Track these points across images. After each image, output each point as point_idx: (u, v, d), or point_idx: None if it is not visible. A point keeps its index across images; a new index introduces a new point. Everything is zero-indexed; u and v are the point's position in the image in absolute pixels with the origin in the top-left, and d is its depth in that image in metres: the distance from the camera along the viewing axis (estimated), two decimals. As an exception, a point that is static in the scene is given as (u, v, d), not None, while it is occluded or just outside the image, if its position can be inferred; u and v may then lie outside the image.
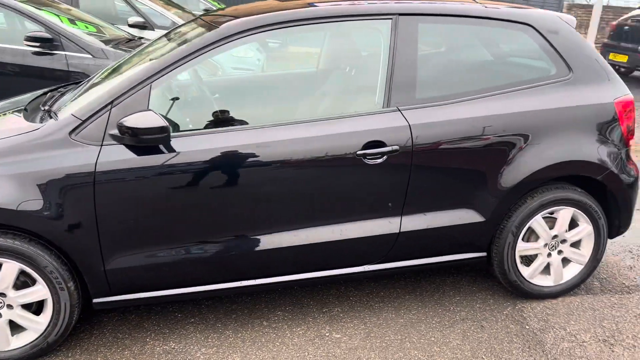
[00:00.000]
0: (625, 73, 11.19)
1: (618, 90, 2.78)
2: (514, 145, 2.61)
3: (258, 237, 2.44)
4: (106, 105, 2.27)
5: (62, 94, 2.90)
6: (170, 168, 2.27)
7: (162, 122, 2.14)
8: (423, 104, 2.53)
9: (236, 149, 2.32)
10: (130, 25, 7.56)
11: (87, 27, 5.92)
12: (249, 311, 2.83)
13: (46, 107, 2.60)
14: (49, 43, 5.26)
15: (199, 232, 2.39)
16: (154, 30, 8.02)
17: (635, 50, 10.81)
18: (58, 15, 5.69)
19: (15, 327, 2.39)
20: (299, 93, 2.64)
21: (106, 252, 2.32)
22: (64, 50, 5.34)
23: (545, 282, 2.91)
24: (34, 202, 2.19)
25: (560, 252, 2.87)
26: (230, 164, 2.33)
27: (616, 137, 2.77)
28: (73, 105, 2.45)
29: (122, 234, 2.32)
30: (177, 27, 3.13)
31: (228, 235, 2.42)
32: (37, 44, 5.22)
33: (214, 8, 12.57)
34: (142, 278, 2.41)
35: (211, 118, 2.49)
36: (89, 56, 5.36)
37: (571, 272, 2.92)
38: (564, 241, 2.85)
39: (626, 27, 11.29)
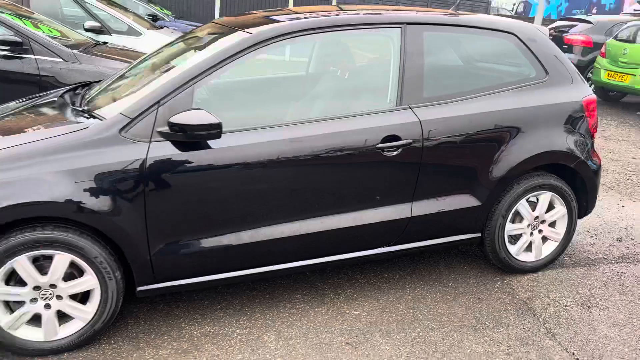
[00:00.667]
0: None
1: (584, 91, 3.26)
2: (505, 138, 3.01)
3: (293, 223, 2.68)
4: (153, 105, 2.44)
5: (82, 95, 3.01)
6: (215, 162, 2.48)
7: (215, 119, 2.35)
8: (429, 103, 2.88)
9: (273, 144, 2.56)
10: (87, 30, 7.48)
11: (50, 32, 5.87)
12: (270, 296, 3.05)
13: (82, 107, 2.71)
14: (18, 47, 5.20)
15: (238, 220, 2.60)
16: (110, 34, 7.97)
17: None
18: (21, 19, 5.62)
19: (61, 317, 2.49)
20: (323, 92, 2.91)
21: (152, 242, 2.49)
22: (33, 54, 5.30)
23: (528, 258, 3.33)
24: (88, 197, 2.33)
25: (540, 231, 3.31)
26: (268, 157, 2.56)
27: (584, 130, 3.24)
28: (114, 104, 2.60)
29: (167, 224, 2.49)
30: (192, 32, 3.31)
31: (266, 222, 2.64)
32: (6, 48, 5.16)
33: (158, 13, 12.50)
34: (183, 265, 2.59)
35: (248, 115, 2.70)
36: (61, 60, 5.34)
37: (549, 248, 3.37)
38: (543, 222, 3.29)
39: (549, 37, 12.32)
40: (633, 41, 9.94)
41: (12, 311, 2.41)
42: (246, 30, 2.73)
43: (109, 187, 2.36)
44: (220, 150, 2.48)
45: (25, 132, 2.50)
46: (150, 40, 8.16)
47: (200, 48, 2.88)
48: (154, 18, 11.33)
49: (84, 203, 2.33)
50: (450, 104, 2.92)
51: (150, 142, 2.42)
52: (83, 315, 2.49)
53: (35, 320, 2.46)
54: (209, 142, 2.47)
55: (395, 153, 2.77)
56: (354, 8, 3.26)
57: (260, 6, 16.04)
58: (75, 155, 2.34)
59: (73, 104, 2.83)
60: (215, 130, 2.36)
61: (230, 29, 2.87)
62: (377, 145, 2.73)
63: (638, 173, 5.67)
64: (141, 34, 8.22)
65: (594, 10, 22.34)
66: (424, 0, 18.52)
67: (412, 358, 2.59)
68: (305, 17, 2.77)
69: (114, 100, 2.71)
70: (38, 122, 2.70)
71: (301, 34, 2.69)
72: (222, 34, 2.89)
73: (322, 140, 2.63)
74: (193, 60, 2.61)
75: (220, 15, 15.86)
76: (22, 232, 2.30)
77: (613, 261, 3.63)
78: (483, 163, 3.00)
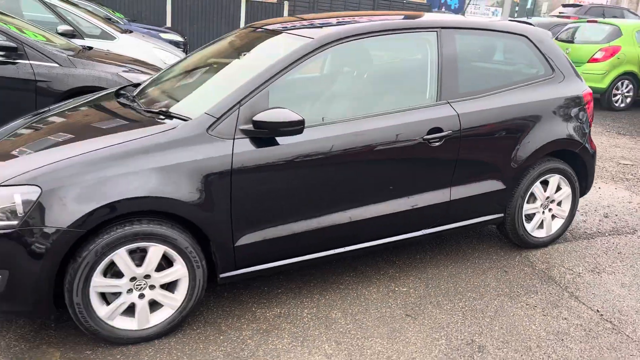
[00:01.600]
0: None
1: (582, 85, 3.73)
2: (525, 128, 3.41)
3: (356, 209, 2.96)
4: (235, 105, 2.65)
5: (132, 97, 3.15)
6: (291, 155, 2.71)
7: (299, 117, 2.58)
8: (463, 98, 3.23)
9: (340, 138, 2.82)
10: (60, 34, 7.37)
11: (36, 37, 5.83)
12: (322, 280, 3.30)
13: (157, 108, 2.87)
14: (13, 52, 5.16)
15: (310, 208, 2.85)
16: (83, 38, 7.88)
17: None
18: (7, 24, 5.55)
19: (150, 306, 2.64)
20: (374, 90, 3.19)
21: (236, 231, 2.69)
22: (28, 59, 5.27)
23: (540, 234, 3.76)
24: (183, 191, 2.51)
25: (550, 210, 3.75)
26: (336, 150, 2.82)
27: (585, 119, 3.71)
28: (191, 105, 2.78)
29: (248, 214, 2.70)
30: (233, 35, 3.51)
31: (333, 209, 2.90)
32: (1, 53, 5.11)
33: (112, 16, 12.30)
34: (260, 252, 2.80)
35: (313, 112, 2.94)
36: (57, 65, 5.34)
37: (557, 225, 3.81)
38: (552, 201, 3.73)
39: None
40: (572, 41, 10.87)
41: (107, 303, 2.54)
42: (302, 35, 2.98)
43: (201, 182, 2.54)
44: (294, 144, 2.72)
45: (116, 133, 2.63)
46: (124, 44, 8.12)
47: (256, 51, 3.10)
48: (108, 21, 11.17)
49: (179, 197, 2.50)
50: (480, 98, 3.29)
51: (234, 139, 2.62)
52: (172, 303, 2.65)
53: (127, 310, 2.60)
54: (284, 137, 2.70)
55: (438, 144, 3.10)
56: (378, 13, 3.58)
57: (212, 11, 16.03)
58: (168, 153, 2.51)
59: (135, 105, 2.98)
60: (298, 127, 2.60)
61: (274, 32, 3.12)
62: (424, 137, 3.05)
63: (601, 158, 6.33)
64: (115, 37, 8.16)
65: (443, 9, 23.24)
66: (369, 3, 19.08)
67: (466, 324, 2.92)
68: (354, 22, 3.06)
69: (185, 101, 2.89)
70: (113, 123, 2.83)
71: (354, 38, 2.97)
72: (268, 37, 3.13)
73: (380, 134, 2.93)
74: (262, 63, 2.82)
75: (172, 20, 15.78)
76: (122, 227, 2.44)
77: (607, 234, 4.14)
78: (508, 151, 3.39)
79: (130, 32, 9.18)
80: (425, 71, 3.18)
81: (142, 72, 5.83)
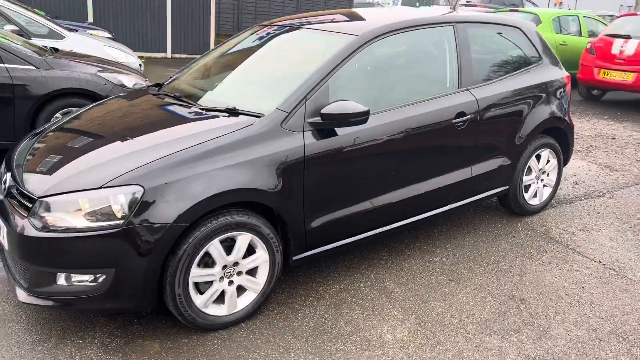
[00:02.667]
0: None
1: (563, 70, 4.28)
2: (526, 108, 3.89)
3: (403, 189, 3.28)
4: (302, 100, 2.86)
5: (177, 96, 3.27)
6: (352, 143, 2.98)
7: (364, 107, 2.84)
8: (477, 85, 3.64)
9: (389, 125, 3.12)
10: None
11: (4, 39, 5.62)
12: (363, 257, 3.58)
13: (217, 106, 3.00)
14: (-14, 56, 4.97)
15: (369, 190, 3.13)
16: (30, 38, 7.55)
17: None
18: (-29, 27, 5.30)
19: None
20: (408, 81, 3.50)
21: (307, 216, 2.91)
22: (3, 62, 5.09)
23: (535, 202, 4.29)
24: (266, 182, 2.70)
25: (541, 180, 4.27)
26: (387, 135, 3.11)
27: (566, 99, 4.26)
28: (257, 102, 2.96)
29: (318, 198, 2.93)
30: (254, 31, 3.70)
31: (387, 190, 3.20)
32: (-25, 57, 4.91)
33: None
34: (327, 233, 3.04)
35: (364, 102, 3.20)
36: (33, 67, 5.20)
37: (547, 193, 4.36)
38: (543, 172, 4.26)
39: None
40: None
41: (200, 292, 2.69)
42: (343, 32, 3.23)
43: (280, 172, 2.74)
44: (352, 133, 2.98)
45: (196, 133, 2.74)
46: (74, 43, 7.85)
47: (299, 49, 3.32)
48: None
49: (264, 187, 2.69)
50: (491, 84, 3.71)
51: (303, 131, 2.84)
52: (255, 287, 2.84)
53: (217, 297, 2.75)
54: (343, 128, 2.95)
55: (463, 126, 3.48)
56: (342, 12, 3.93)
57: (133, 7, 15.53)
58: (251, 148, 2.69)
59: (194, 104, 3.10)
60: (364, 117, 2.85)
61: (304, 29, 3.41)
62: (452, 120, 3.42)
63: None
64: (64, 37, 7.87)
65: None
66: (293, 3, 19.26)
67: (502, 282, 3.34)
68: (389, 19, 3.37)
69: (246, 98, 3.07)
70: (187, 123, 2.94)
71: (392, 33, 3.28)
72: (303, 35, 3.40)
73: (420, 119, 3.26)
74: (315, 60, 3.05)
75: (94, 16, 15.14)
76: (216, 219, 2.59)
77: (582, 198, 4.76)
78: (514, 130, 3.85)
79: (76, 30, 8.85)
80: (446, 61, 3.55)
81: (117, 72, 5.77)
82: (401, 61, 3.53)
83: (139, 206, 2.41)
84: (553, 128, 4.19)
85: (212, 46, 14.96)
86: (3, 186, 2.80)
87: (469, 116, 3.50)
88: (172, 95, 3.32)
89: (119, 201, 2.40)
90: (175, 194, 2.47)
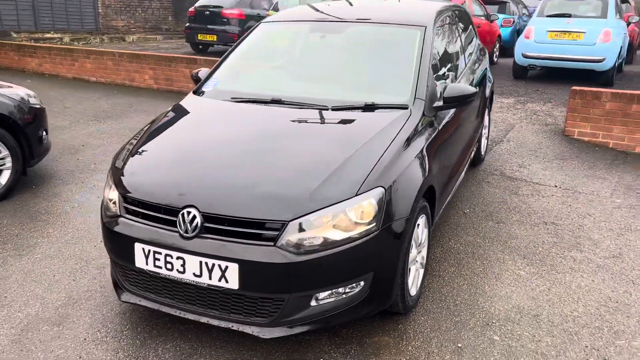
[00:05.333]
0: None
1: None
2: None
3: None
4: (427, 88, 3.16)
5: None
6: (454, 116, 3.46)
7: (475, 89, 3.26)
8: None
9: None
10: None
11: None
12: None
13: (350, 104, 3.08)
14: None
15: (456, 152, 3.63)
16: None
17: (221, 30, 13.54)
18: None
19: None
20: (458, 56, 4.04)
21: (438, 185, 3.19)
22: None
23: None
24: (432, 165, 2.99)
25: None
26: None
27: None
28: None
29: (441, 167, 3.32)
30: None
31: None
32: None
33: None
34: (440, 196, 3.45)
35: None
36: None
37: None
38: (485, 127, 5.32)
39: (207, 13, 13.87)
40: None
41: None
42: (407, 24, 3.58)
43: (432, 155, 3.03)
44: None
45: (366, 132, 2.84)
46: None
47: (376, 42, 3.60)
48: None
49: (434, 170, 2.98)
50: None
51: (435, 115, 3.18)
52: (422, 266, 3.10)
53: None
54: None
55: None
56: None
57: None
58: (418, 136, 2.91)
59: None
60: (475, 97, 3.30)
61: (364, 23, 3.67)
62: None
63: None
64: None
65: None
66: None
67: (525, 214, 4.25)
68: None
69: (371, 92, 3.24)
70: (347, 125, 2.94)
71: (443, 20, 3.79)
72: (366, 28, 3.65)
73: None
74: (405, 54, 3.39)
75: None
76: (418, 205, 2.77)
77: (495, 145, 6.02)
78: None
79: None
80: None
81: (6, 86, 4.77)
82: (450, 40, 4.05)
83: (386, 206, 2.48)
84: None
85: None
86: (186, 226, 2.40)
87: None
88: (268, 100, 3.19)
89: (372, 205, 2.43)
90: (401, 189, 2.59)
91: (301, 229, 2.32)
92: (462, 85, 3.28)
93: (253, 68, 3.67)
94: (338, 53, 3.62)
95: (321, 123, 3.00)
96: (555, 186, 4.89)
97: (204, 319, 2.49)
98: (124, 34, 18.91)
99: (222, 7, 13.77)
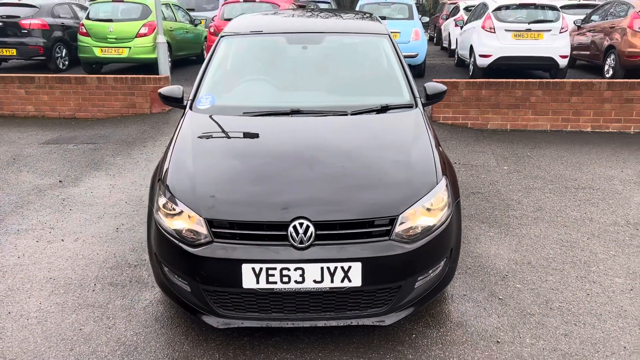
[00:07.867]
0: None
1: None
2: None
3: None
4: (416, 89, 3.63)
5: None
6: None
7: (444, 86, 3.83)
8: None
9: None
10: None
11: None
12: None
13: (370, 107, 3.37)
14: None
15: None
16: None
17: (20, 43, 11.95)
18: None
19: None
20: None
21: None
22: None
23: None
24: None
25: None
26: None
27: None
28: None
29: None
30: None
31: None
32: None
33: None
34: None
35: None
36: None
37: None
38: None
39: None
40: (112, 20, 11.75)
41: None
42: (371, 32, 3.97)
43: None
44: None
45: (402, 131, 3.16)
46: None
47: (338, 50, 3.92)
48: None
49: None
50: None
51: (424, 109, 3.65)
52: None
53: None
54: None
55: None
56: None
57: None
58: (430, 130, 3.37)
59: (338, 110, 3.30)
60: (446, 93, 3.85)
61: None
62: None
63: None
64: None
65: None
66: None
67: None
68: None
69: (378, 95, 3.57)
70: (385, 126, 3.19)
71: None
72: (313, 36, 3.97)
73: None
74: (378, 56, 3.80)
75: None
76: (446, 188, 3.25)
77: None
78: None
79: None
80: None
81: None
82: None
83: (450, 191, 2.89)
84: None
85: None
86: (300, 238, 2.48)
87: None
88: (287, 112, 3.29)
89: (446, 192, 2.81)
90: (448, 174, 3.01)
91: (405, 221, 2.58)
92: (436, 84, 3.80)
93: (242, 82, 3.66)
94: (324, 62, 3.83)
95: (354, 127, 3.23)
96: (455, 163, 5.80)
97: (320, 323, 2.56)
98: None
99: (19, 16, 12.10)
